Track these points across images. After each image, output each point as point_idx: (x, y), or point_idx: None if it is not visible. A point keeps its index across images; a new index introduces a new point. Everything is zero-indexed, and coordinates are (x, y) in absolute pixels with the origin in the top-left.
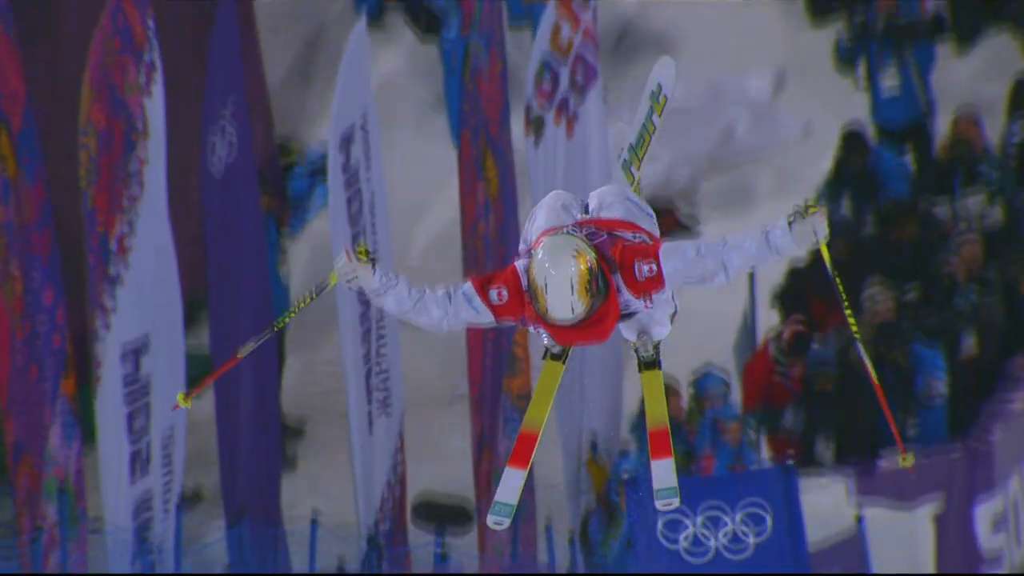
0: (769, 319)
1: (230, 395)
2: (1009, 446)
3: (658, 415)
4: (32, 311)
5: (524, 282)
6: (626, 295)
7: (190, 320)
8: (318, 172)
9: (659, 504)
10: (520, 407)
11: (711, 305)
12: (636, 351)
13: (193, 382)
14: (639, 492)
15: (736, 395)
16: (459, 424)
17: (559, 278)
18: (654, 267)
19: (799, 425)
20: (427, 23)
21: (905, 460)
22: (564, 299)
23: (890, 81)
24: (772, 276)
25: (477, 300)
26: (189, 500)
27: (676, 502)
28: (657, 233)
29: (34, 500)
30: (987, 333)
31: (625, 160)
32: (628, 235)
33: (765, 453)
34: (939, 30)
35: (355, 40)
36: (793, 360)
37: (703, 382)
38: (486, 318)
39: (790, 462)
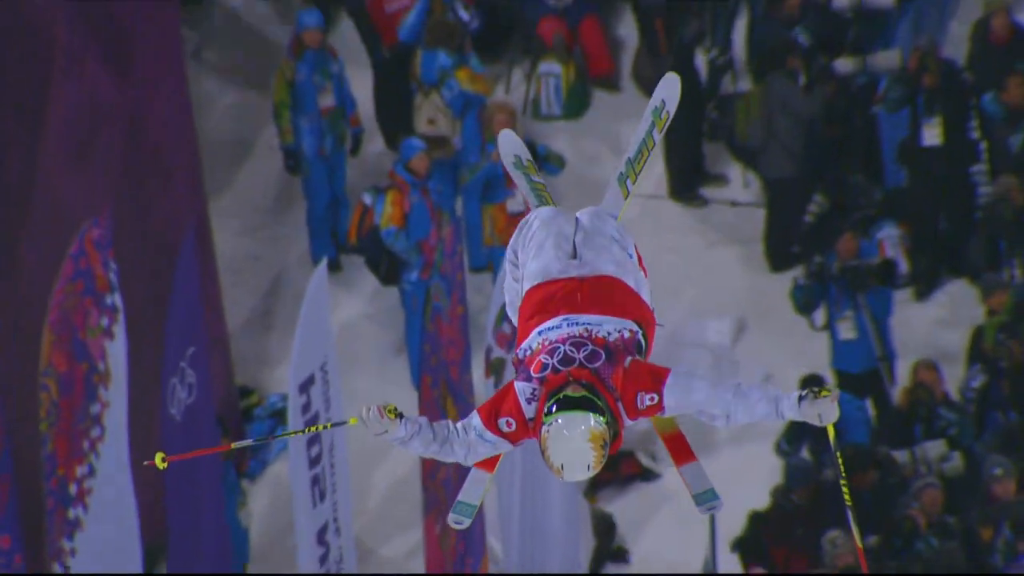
0: (729, 564)
1: None
2: None
3: (665, 421)
4: None
5: (528, 413)
6: (625, 421)
7: (150, 564)
8: (278, 415)
9: (703, 510)
10: None
11: (672, 553)
12: None
13: None
14: None
15: None
16: None
17: (575, 464)
18: (655, 397)
19: None
20: (388, 268)
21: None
22: (581, 474)
23: (847, 325)
24: (733, 523)
25: (489, 434)
26: None
27: (719, 504)
28: (641, 283)
29: None
30: None
31: (622, 173)
32: (624, 327)
33: None
34: (891, 274)
35: (315, 284)
36: None
37: None
38: (504, 447)
39: None
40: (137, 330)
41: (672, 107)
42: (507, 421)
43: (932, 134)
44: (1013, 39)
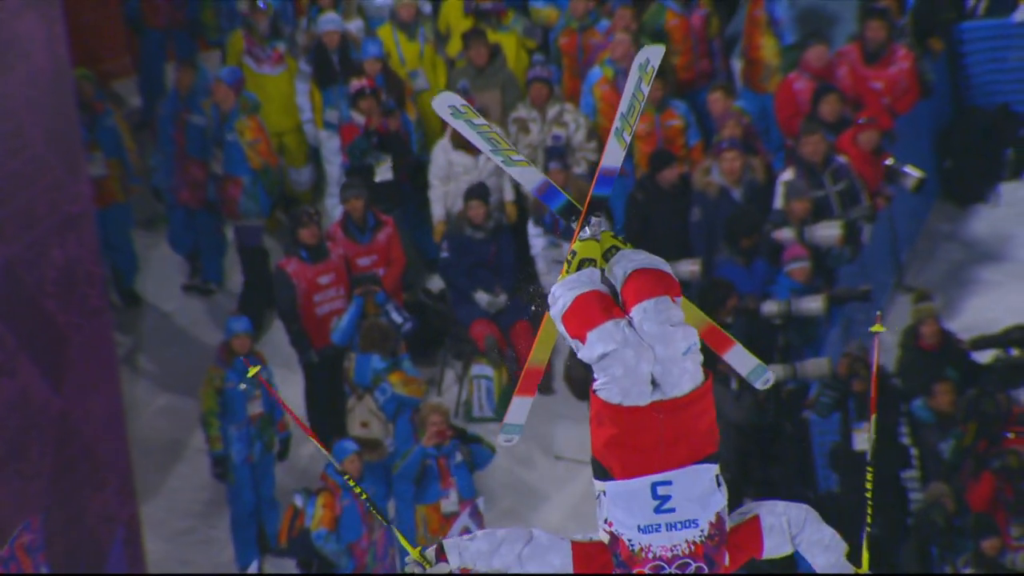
0: None
1: None
2: None
3: (696, 318)
4: None
5: None
6: None
7: None
8: None
9: (759, 385)
10: None
11: None
12: None
13: None
14: None
15: None
16: None
17: None
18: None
19: None
20: (318, 571)
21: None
22: None
23: None
24: None
25: None
26: None
27: (771, 375)
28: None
29: None
30: None
31: (618, 128)
32: (714, 504)
33: None
34: None
35: None
36: None
37: None
38: None
39: None
40: None
41: (656, 62)
42: None
43: (863, 439)
44: (942, 346)
